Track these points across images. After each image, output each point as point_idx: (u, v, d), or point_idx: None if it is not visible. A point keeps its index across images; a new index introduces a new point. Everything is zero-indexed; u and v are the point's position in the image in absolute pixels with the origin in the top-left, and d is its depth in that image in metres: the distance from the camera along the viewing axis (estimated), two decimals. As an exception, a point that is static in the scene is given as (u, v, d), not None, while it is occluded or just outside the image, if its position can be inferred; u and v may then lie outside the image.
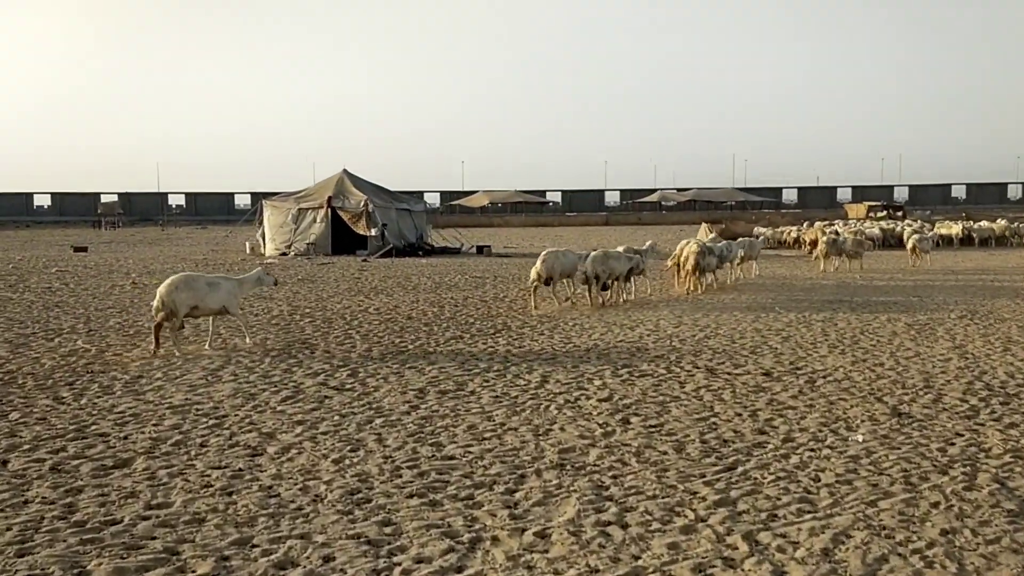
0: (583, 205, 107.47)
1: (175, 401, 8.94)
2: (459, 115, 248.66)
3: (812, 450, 7.05)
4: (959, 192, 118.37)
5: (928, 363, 10.71)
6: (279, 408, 8.64)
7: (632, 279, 17.59)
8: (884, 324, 14.07)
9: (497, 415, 8.31)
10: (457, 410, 8.53)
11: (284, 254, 33.88)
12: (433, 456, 7.00)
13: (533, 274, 15.72)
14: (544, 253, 15.86)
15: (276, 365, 10.87)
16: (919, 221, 49.91)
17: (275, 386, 9.64)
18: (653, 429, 7.75)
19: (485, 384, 9.71)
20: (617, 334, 13.27)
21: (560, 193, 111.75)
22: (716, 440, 7.38)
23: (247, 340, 12.44)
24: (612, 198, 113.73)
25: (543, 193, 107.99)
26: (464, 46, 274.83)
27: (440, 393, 9.28)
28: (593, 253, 16.25)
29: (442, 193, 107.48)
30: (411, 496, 6.04)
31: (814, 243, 34.92)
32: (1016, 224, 42.66)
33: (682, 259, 18.82)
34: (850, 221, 52.43)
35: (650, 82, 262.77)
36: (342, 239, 34.32)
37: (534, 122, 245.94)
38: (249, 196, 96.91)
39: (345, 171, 36.45)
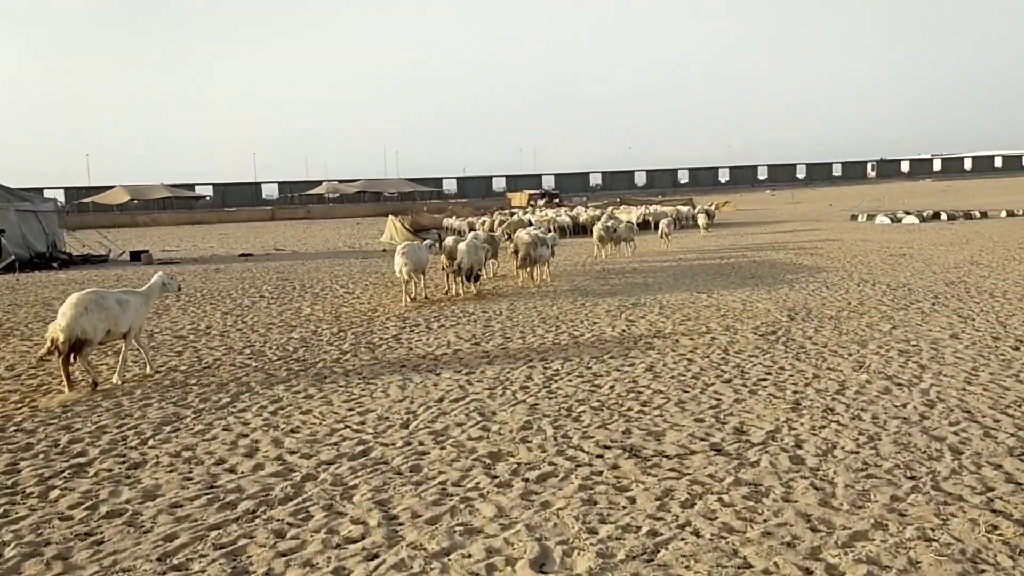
0: (239, 199, 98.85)
1: None
2: (81, 101, 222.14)
3: None
4: (640, 179, 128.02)
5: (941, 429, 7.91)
6: None
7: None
8: (760, 347, 11.25)
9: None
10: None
11: None
12: None
13: (400, 270, 15.62)
14: (403, 246, 15.76)
15: None
16: (588, 207, 51.58)
17: None
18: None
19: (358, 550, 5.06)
20: (432, 385, 9.05)
21: (211, 186, 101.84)
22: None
23: (149, 368, 10.12)
24: (270, 191, 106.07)
25: (192, 187, 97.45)
26: (73, 23, 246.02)
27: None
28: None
29: (67, 190, 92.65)
30: None
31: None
32: (687, 208, 44.76)
33: (513, 251, 18.53)
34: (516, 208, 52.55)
35: (299, 73, 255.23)
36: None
37: (171, 110, 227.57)
38: None
39: (-63, 162, 27.32)
